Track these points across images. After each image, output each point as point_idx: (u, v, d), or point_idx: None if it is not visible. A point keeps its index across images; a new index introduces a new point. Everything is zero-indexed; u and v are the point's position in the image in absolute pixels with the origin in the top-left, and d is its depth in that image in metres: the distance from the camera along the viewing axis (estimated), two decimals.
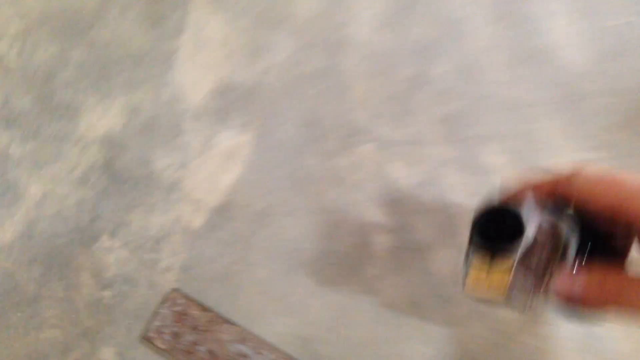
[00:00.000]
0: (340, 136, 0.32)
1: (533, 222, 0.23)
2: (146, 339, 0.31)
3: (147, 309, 0.32)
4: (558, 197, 0.25)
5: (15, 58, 0.35)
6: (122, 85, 0.34)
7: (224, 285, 0.32)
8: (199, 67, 0.33)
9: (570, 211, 0.24)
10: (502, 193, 0.26)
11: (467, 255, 0.24)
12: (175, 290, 0.32)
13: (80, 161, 0.33)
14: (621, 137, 0.32)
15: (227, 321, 0.32)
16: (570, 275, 0.25)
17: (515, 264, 0.23)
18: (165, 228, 0.33)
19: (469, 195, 0.32)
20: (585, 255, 0.25)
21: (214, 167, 0.33)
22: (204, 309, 0.32)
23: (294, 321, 0.32)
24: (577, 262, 0.24)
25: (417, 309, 0.31)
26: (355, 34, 0.33)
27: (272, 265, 0.32)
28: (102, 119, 0.33)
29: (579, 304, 0.25)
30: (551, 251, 0.24)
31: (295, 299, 0.32)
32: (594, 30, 0.32)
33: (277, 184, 0.32)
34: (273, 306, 0.32)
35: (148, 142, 0.33)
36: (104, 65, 0.34)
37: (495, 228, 0.23)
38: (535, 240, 0.23)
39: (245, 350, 0.32)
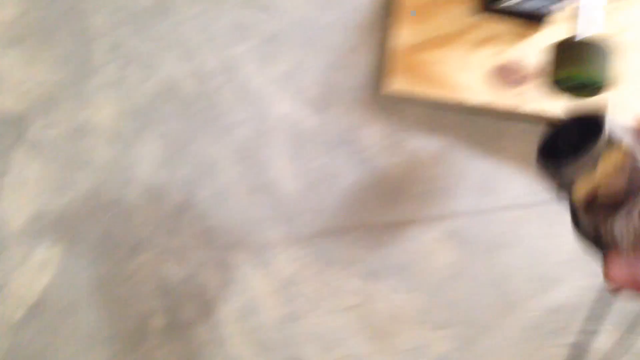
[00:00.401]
0: (127, 248, 0.45)
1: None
2: None
3: None
4: None
5: None
6: None
7: None
8: (20, 199, 0.45)
9: None
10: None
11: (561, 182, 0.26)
12: None
13: None
14: (323, 240, 0.48)
15: None
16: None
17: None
18: None
19: (224, 283, 0.46)
20: None
21: (31, 274, 0.44)
22: None
23: None
24: None
25: None
26: (140, 172, 0.46)
27: (77, 345, 0.44)
28: None
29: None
30: None
31: None
32: (303, 168, 0.48)
33: (80, 284, 0.45)
34: None
35: None
36: None
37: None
38: None
39: None
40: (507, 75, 0.49)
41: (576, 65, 0.40)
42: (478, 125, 0.51)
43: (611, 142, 0.24)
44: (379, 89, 0.49)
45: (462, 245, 0.50)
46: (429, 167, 0.50)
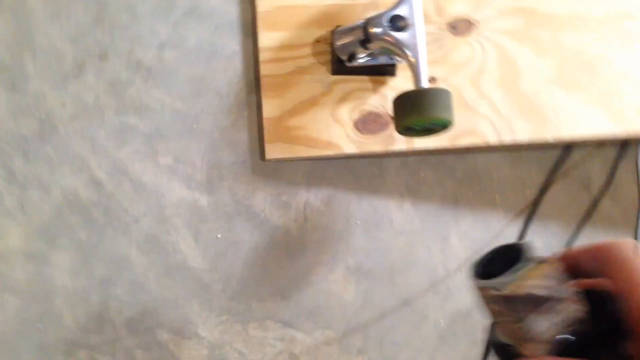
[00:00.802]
0: (61, 353, 0.50)
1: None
2: None
3: None
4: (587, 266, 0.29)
5: None
6: None
7: None
8: None
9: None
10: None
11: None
12: None
13: None
14: (238, 303, 0.53)
15: None
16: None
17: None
18: None
19: None
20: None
21: None
22: None
23: None
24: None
25: None
26: (60, 281, 0.51)
27: None
28: None
29: None
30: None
31: None
32: (207, 243, 0.53)
33: None
34: None
35: None
36: None
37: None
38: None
39: None
40: (371, 123, 0.55)
41: (416, 115, 0.45)
42: (359, 168, 0.57)
43: (532, 262, 0.29)
44: (261, 157, 0.54)
45: (364, 278, 0.56)
46: (322, 215, 0.56)
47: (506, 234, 0.59)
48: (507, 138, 0.57)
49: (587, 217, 0.62)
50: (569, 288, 0.30)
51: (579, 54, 0.59)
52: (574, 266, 0.31)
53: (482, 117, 0.57)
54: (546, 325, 0.29)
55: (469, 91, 0.57)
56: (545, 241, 0.60)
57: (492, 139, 0.56)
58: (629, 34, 0.60)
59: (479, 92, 0.57)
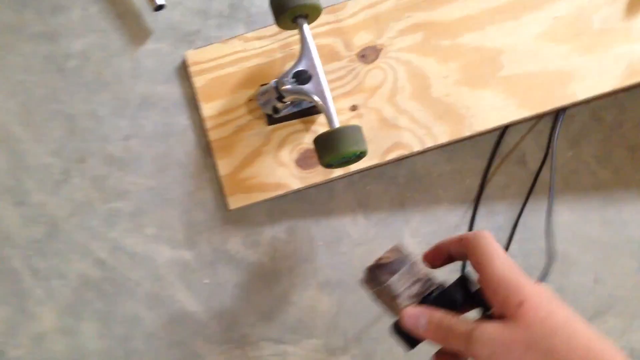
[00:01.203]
0: None
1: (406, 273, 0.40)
2: None
3: None
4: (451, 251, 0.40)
5: None
6: None
7: None
8: None
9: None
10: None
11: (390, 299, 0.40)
12: None
13: None
14: (233, 331, 0.64)
15: None
16: (424, 312, 0.37)
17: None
18: None
19: None
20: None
21: None
22: None
23: None
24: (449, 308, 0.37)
25: None
26: (90, 345, 0.63)
27: None
28: None
29: (417, 335, 0.37)
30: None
31: None
32: (198, 289, 0.65)
33: None
34: None
35: None
36: None
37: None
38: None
39: None
40: (309, 159, 0.65)
41: (330, 153, 0.54)
42: (311, 196, 0.67)
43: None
44: (227, 208, 0.65)
45: (335, 288, 0.65)
46: (288, 245, 0.66)
47: (455, 223, 0.67)
48: (430, 143, 0.64)
49: (530, 191, 0.68)
50: (416, 256, 0.42)
51: (478, 51, 0.65)
52: (445, 252, 0.42)
53: (404, 130, 0.65)
54: (405, 284, 0.40)
55: (388, 109, 0.65)
56: (495, 222, 0.67)
57: (417, 147, 0.64)
58: (521, 19, 0.66)
59: (397, 108, 0.65)
